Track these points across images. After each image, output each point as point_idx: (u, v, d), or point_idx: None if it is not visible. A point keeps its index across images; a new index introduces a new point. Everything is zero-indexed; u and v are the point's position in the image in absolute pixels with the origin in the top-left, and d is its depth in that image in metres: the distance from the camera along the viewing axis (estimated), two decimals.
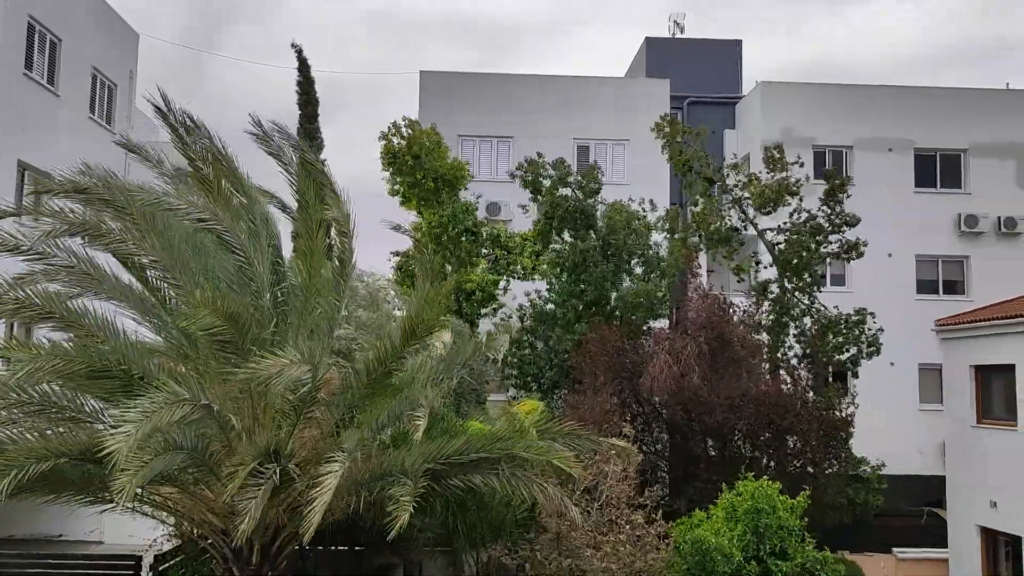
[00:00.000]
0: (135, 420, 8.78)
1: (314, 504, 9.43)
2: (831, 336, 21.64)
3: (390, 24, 78.88)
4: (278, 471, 9.74)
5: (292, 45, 29.12)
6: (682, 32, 35.42)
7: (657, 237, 22.97)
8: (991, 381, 20.09)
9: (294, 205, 12.87)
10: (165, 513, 11.99)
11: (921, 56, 71.39)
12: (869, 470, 21.38)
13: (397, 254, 24.84)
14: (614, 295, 21.71)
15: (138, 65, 27.47)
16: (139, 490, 11.18)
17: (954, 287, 29.45)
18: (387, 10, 77.15)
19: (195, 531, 12.16)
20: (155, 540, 14.61)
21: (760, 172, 22.89)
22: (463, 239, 23.20)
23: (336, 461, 9.79)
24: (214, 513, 11.15)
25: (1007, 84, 32.00)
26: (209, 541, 11.62)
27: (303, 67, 29.52)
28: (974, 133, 29.82)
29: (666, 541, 14.55)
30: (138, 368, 10.52)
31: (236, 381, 10.11)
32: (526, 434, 11.24)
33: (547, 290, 23.04)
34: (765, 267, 22.95)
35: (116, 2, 26.03)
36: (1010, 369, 19.06)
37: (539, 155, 22.80)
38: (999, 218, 29.11)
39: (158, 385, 9.48)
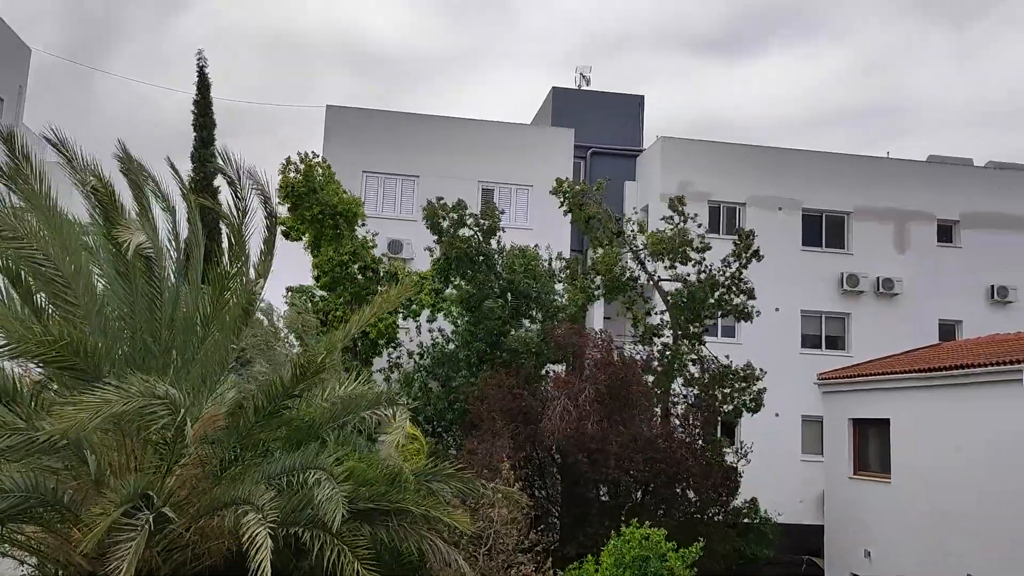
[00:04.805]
0: None
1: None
2: (718, 389, 22.03)
3: (285, 50, 78.18)
4: (151, 517, 9.18)
5: (196, 56, 25.24)
6: (588, 84, 36.32)
7: (559, 287, 23.19)
8: (867, 435, 20.92)
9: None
10: (27, 553, 11.23)
11: (807, 114, 75.23)
12: (761, 521, 21.80)
13: (291, 290, 24.19)
14: (508, 337, 21.69)
15: (28, 81, 26.36)
16: None
17: (836, 342, 30.73)
18: (282, 38, 76.49)
19: (59, 573, 11.41)
20: None
21: (660, 221, 23.39)
22: (359, 276, 22.89)
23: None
24: (81, 555, 10.50)
25: (887, 152, 34.02)
26: None
27: (202, 84, 27.28)
28: (857, 197, 31.43)
29: None
30: None
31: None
32: (407, 484, 10.99)
33: (452, 331, 22.87)
34: (659, 313, 23.39)
35: (3, 13, 25.00)
36: (885, 424, 19.92)
37: (439, 198, 22.73)
38: (878, 278, 30.65)
39: None
